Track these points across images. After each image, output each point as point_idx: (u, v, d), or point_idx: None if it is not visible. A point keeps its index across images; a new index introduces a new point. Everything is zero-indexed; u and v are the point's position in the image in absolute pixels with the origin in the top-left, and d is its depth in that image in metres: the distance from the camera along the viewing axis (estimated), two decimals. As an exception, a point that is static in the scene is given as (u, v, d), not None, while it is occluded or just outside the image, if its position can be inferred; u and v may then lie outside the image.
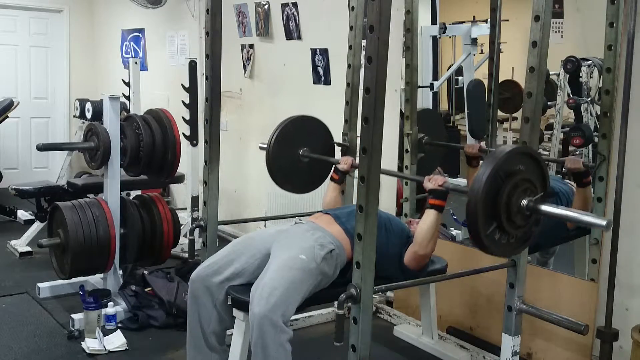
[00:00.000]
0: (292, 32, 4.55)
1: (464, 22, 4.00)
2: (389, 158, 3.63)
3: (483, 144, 3.49)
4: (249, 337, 2.39)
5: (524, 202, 2.14)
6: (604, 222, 2.03)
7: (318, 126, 3.43)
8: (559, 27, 3.32)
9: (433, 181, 2.64)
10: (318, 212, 3.03)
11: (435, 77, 4.18)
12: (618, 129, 2.72)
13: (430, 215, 2.63)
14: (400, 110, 3.73)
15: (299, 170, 3.34)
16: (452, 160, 4.07)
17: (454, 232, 3.79)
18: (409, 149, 3.64)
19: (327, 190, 3.25)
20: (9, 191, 4.84)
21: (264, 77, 5.00)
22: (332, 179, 3.27)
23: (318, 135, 3.41)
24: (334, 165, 3.30)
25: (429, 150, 3.74)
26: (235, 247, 2.68)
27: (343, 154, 3.46)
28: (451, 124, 4.23)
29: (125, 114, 4.36)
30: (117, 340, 3.29)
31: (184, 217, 4.95)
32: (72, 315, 3.46)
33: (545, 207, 2.14)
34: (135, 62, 5.08)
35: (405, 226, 2.88)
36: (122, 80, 5.26)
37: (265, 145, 3.27)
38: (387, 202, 3.76)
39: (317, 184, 3.45)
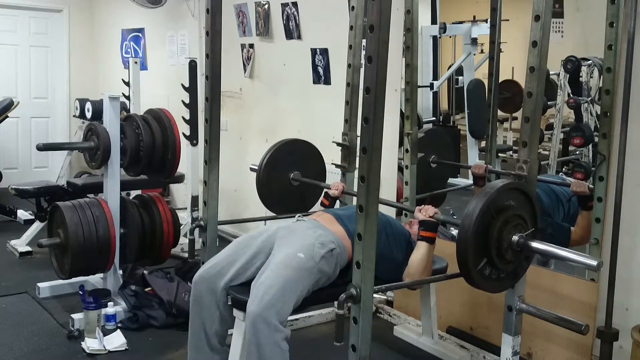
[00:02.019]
0: (292, 32, 4.55)
1: (464, 21, 4.01)
2: (389, 158, 3.63)
3: (488, 166, 3.48)
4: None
5: (515, 238, 2.18)
6: (594, 263, 2.10)
7: (309, 149, 3.44)
8: (559, 27, 3.32)
9: (424, 211, 2.63)
10: (319, 210, 3.02)
11: (436, 76, 4.18)
12: (618, 129, 2.72)
13: (421, 247, 2.63)
14: (400, 110, 3.73)
15: (290, 193, 3.35)
16: (453, 160, 4.09)
17: (454, 231, 3.78)
18: (409, 149, 3.64)
19: None
20: (9, 191, 4.84)
21: (264, 77, 5.00)
22: (322, 204, 3.26)
23: (309, 158, 3.41)
24: (324, 191, 3.29)
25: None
26: (237, 246, 2.67)
27: (343, 153, 3.46)
28: (451, 123, 4.24)
29: (125, 113, 4.36)
30: (117, 340, 3.29)
31: (184, 217, 4.95)
32: (72, 315, 3.46)
33: (535, 244, 2.19)
34: (135, 62, 5.08)
35: (405, 231, 2.86)
36: (122, 80, 5.26)
37: (256, 167, 3.27)
38: (387, 202, 3.76)
39: (309, 207, 3.45)
